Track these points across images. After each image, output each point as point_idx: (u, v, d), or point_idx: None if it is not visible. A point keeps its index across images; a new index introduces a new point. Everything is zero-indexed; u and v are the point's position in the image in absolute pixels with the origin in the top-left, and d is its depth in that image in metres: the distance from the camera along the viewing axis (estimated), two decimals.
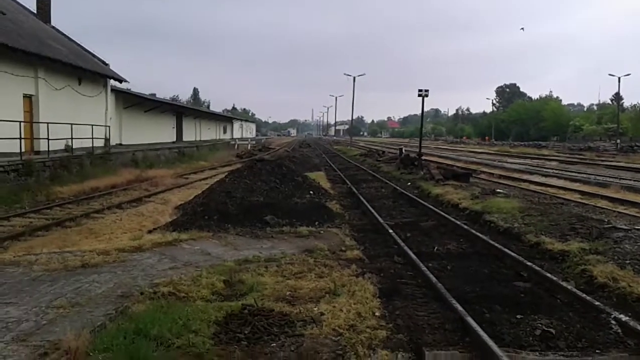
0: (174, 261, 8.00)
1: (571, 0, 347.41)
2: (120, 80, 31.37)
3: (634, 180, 21.68)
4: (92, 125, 25.42)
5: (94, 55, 30.40)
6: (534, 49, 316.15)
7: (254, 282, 6.80)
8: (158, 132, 41.16)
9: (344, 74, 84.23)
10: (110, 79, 30.11)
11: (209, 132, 62.52)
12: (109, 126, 29.16)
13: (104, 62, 30.69)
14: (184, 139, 48.93)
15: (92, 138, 24.93)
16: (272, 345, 4.99)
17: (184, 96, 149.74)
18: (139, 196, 16.66)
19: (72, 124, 22.97)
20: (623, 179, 22.57)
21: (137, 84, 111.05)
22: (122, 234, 10.69)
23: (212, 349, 4.82)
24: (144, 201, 15.89)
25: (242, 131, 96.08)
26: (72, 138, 22.96)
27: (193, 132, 53.99)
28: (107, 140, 28.48)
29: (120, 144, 32.15)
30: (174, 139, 45.86)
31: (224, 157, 40.72)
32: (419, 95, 26.69)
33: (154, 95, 52.15)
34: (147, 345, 4.62)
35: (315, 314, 5.70)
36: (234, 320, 5.49)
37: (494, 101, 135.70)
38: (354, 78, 76.56)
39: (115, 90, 31.81)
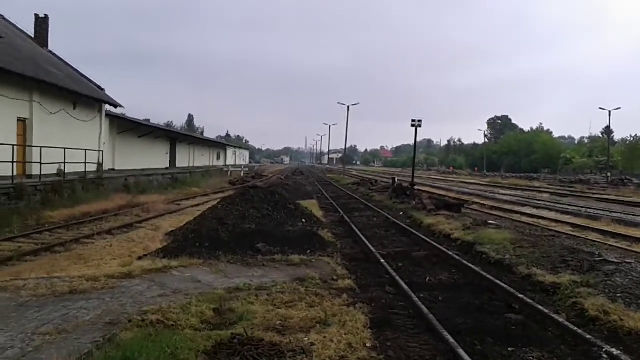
0: (163, 288, 7.91)
1: (563, 35, 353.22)
2: (115, 106, 31.47)
3: (625, 214, 21.81)
4: (86, 149, 25.38)
5: (90, 80, 30.55)
6: (526, 81, 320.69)
7: (244, 310, 6.74)
8: (151, 157, 41.15)
9: (338, 103, 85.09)
10: (105, 104, 30.21)
11: (202, 159, 62.59)
12: (102, 151, 29.14)
13: (99, 87, 30.83)
14: (177, 165, 48.91)
15: (85, 162, 24.87)
16: None
17: (179, 122, 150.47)
18: (130, 222, 16.55)
19: (65, 148, 22.94)
20: (613, 212, 22.70)
21: (132, 109, 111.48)
22: (111, 260, 10.59)
23: None
24: (135, 227, 15.79)
25: (236, 158, 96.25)
26: (64, 162, 22.90)
27: (186, 158, 54.03)
28: (100, 165, 28.42)
29: (113, 169, 32.09)
30: (167, 165, 45.83)
31: (216, 183, 40.67)
32: (412, 126, 26.92)
33: (149, 120, 52.18)
34: None
35: (306, 344, 5.64)
36: (223, 349, 5.41)
37: (486, 132, 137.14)
38: (348, 107, 77.24)
39: (109, 115, 31.90)
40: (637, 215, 21.21)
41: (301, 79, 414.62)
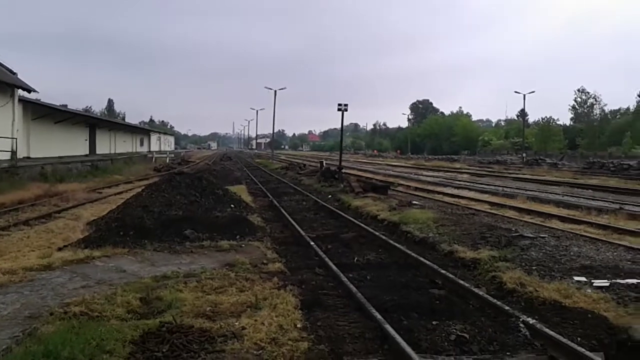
0: (86, 279, 7.64)
1: (489, 22, 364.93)
2: (29, 90, 29.57)
3: (539, 192, 23.14)
4: None
5: (0, 64, 28.60)
6: (449, 67, 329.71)
7: (173, 298, 6.63)
8: (69, 144, 39.22)
9: (265, 87, 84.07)
10: (18, 88, 28.37)
11: (124, 145, 60.31)
12: (16, 138, 27.47)
13: (11, 71, 28.90)
14: (98, 151, 46.87)
15: None
16: None
17: (98, 107, 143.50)
18: (48, 212, 15.74)
19: None
20: (528, 190, 24.02)
21: (49, 94, 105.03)
22: (29, 252, 10.02)
23: None
24: (54, 217, 15.04)
25: (160, 144, 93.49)
26: None
27: (107, 144, 51.90)
28: (13, 153, 26.77)
29: (29, 157, 30.32)
30: (87, 152, 43.87)
31: (140, 170, 39.43)
32: (339, 110, 27.17)
33: (66, 106, 49.58)
34: None
35: (237, 328, 5.64)
36: (151, 338, 5.32)
37: (409, 116, 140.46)
38: (275, 92, 76.57)
39: (23, 101, 30.00)
40: (550, 193, 22.57)
41: (228, 63, 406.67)
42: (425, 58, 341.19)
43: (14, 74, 29.13)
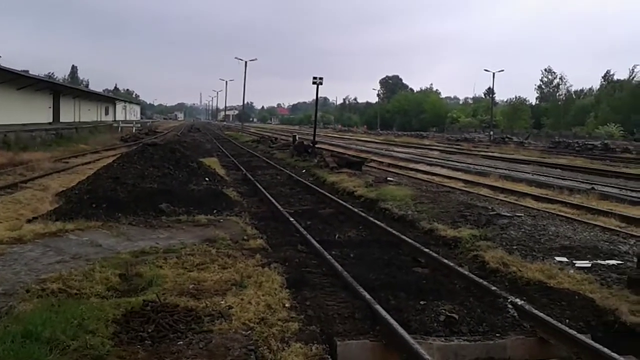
0: (60, 254, 7.32)
1: (461, 3, 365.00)
2: None
3: (509, 170, 23.44)
4: None
5: None
6: (419, 45, 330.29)
7: (153, 275, 6.40)
8: (33, 111, 37.89)
9: (236, 58, 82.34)
10: None
11: (89, 114, 58.60)
12: None
13: None
14: (62, 119, 45.47)
15: None
16: (179, 343, 4.69)
17: (61, 74, 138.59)
18: (14, 181, 15.13)
19: None
20: (499, 168, 24.31)
21: (8, 59, 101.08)
22: None
23: (113, 350, 4.44)
24: (20, 187, 14.44)
25: (126, 113, 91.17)
26: None
27: (72, 112, 50.35)
28: None
29: None
30: (51, 120, 42.49)
31: (106, 140, 38.35)
32: (314, 83, 26.87)
33: (28, 72, 47.63)
34: (40, 349, 4.14)
35: (223, 307, 5.47)
36: (134, 318, 5.10)
37: (379, 92, 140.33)
38: (246, 63, 75.76)
39: None
40: (520, 172, 22.88)
41: (196, 31, 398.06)
42: (397, 35, 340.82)
43: None
